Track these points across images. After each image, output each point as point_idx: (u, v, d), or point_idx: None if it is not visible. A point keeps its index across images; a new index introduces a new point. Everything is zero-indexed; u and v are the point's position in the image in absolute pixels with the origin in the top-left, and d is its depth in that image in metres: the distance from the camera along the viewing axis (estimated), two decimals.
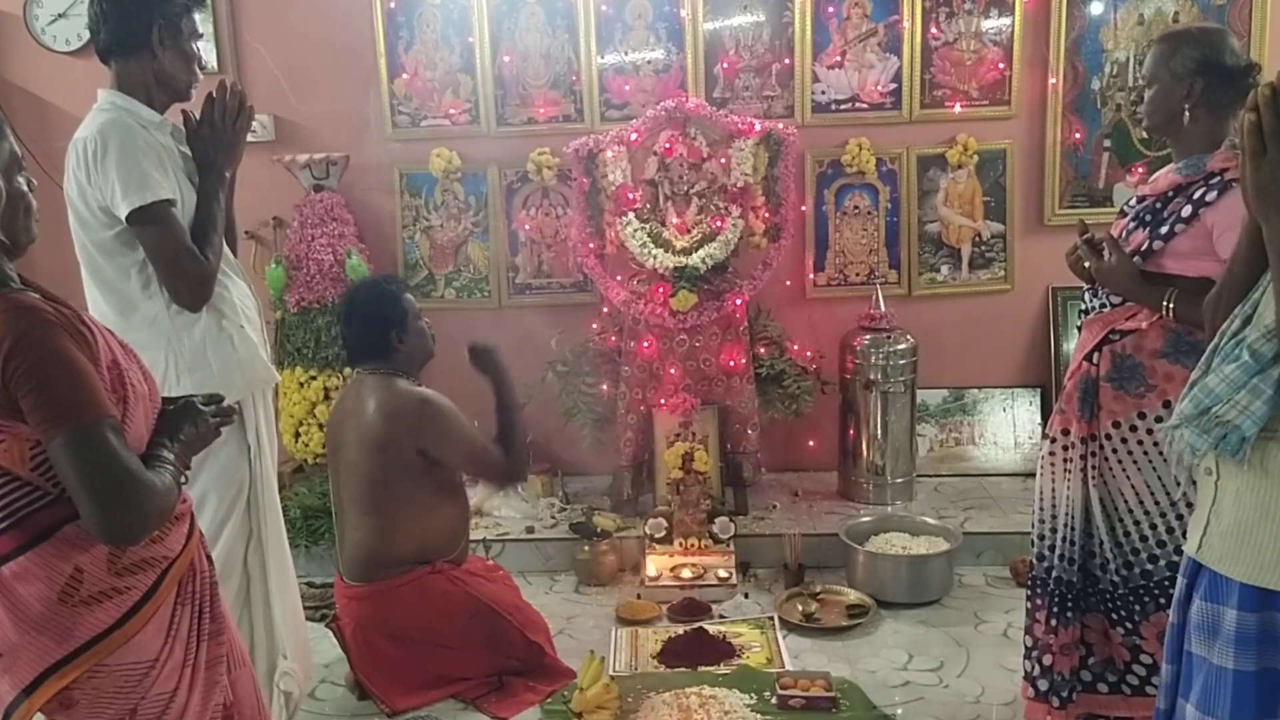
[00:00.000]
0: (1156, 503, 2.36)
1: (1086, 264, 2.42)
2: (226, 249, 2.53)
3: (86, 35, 4.28)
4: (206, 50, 2.54)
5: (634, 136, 4.00)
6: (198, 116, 2.47)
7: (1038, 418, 4.37)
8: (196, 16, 2.48)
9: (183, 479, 1.61)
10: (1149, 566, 2.40)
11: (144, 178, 2.29)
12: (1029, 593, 2.59)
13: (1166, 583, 2.33)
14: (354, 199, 4.33)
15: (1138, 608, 2.42)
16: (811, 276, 4.38)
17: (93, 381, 1.47)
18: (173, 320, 2.38)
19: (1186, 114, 2.25)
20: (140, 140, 2.33)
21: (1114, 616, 2.45)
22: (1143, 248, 2.31)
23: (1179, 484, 1.71)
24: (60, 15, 4.33)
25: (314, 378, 4.12)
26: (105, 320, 2.28)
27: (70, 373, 1.44)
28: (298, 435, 4.17)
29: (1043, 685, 2.50)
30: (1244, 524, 1.53)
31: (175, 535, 1.61)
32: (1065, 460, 2.47)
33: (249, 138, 2.59)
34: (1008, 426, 4.43)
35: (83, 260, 2.40)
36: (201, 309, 2.40)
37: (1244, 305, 1.56)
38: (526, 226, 4.40)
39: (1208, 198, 2.21)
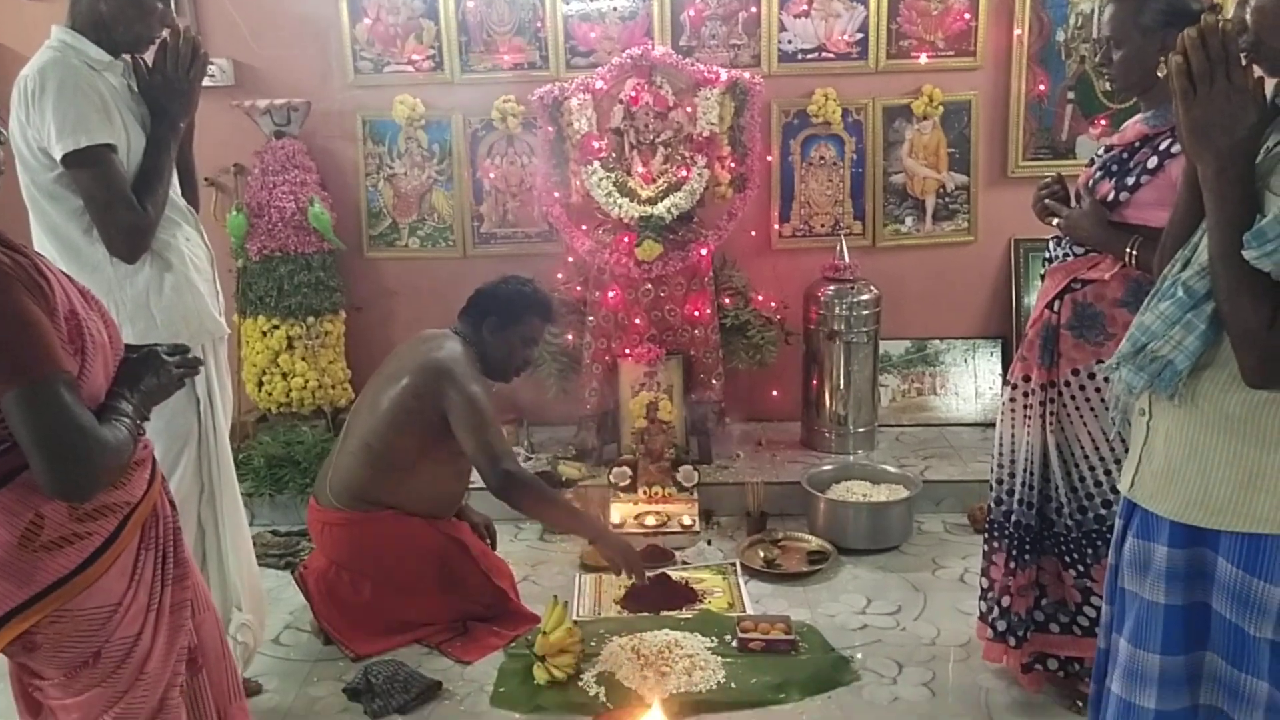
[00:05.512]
0: (1112, 449, 2.41)
1: (1054, 219, 2.45)
2: (177, 197, 2.48)
3: None
4: None
5: (600, 84, 3.97)
6: (150, 64, 2.40)
7: (998, 369, 4.43)
8: None
9: (140, 430, 1.60)
10: (1102, 512, 2.45)
11: (81, 119, 2.22)
12: (986, 536, 2.65)
13: None
14: (316, 146, 4.27)
15: (1090, 551, 2.48)
16: (777, 227, 4.39)
17: (46, 335, 1.44)
18: (115, 268, 2.33)
19: (1162, 68, 2.24)
20: (82, 81, 2.25)
21: (1067, 559, 2.52)
22: (1108, 198, 2.34)
23: (1114, 424, 1.75)
24: None
25: (276, 327, 4.10)
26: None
27: (23, 326, 1.42)
28: (261, 384, 4.15)
29: (1001, 626, 2.57)
30: (1173, 463, 1.57)
31: (137, 481, 1.60)
32: (1025, 406, 2.51)
33: (207, 83, 2.53)
34: (969, 377, 4.49)
35: (28, 202, 2.34)
36: (136, 260, 2.34)
37: (1184, 249, 1.59)
38: (491, 175, 4.37)
39: (1173, 149, 2.22)
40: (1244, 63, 1.46)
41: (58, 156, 2.24)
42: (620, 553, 3.00)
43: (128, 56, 2.40)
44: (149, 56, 2.44)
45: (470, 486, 3.24)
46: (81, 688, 1.57)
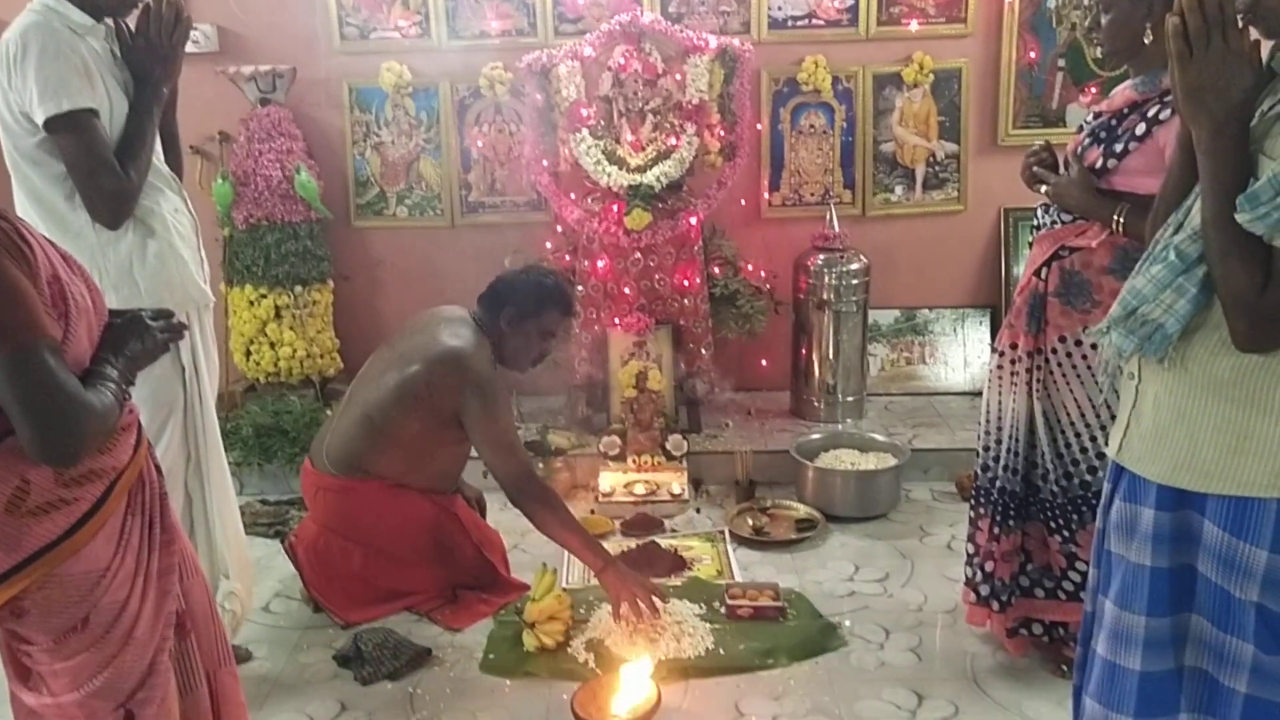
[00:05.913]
0: (1098, 416, 2.42)
1: (1042, 187, 2.45)
2: (161, 164, 2.46)
3: None
4: None
5: (588, 51, 3.94)
6: (133, 29, 2.38)
7: (987, 338, 4.44)
8: None
9: (126, 395, 1.59)
10: (1088, 478, 2.47)
11: (63, 83, 2.20)
12: (973, 502, 2.66)
13: None
14: (302, 114, 4.23)
15: (1075, 517, 2.49)
16: (766, 196, 4.38)
17: (29, 300, 1.43)
18: (98, 235, 2.32)
19: (1148, 34, 2.23)
20: (64, 45, 2.23)
21: (1052, 525, 2.53)
22: (1097, 165, 2.34)
23: (1101, 391, 1.75)
24: None
25: (264, 296, 4.07)
26: None
27: (6, 292, 1.40)
28: (249, 354, 4.14)
29: (984, 590, 2.59)
30: (1161, 426, 1.57)
31: (123, 446, 1.60)
32: (1012, 373, 2.52)
33: (190, 48, 2.50)
34: (957, 346, 4.49)
35: (10, 167, 2.33)
36: (120, 226, 2.33)
37: (1177, 213, 1.58)
38: (479, 143, 4.33)
39: (1161, 115, 2.22)
40: (1241, 25, 1.45)
41: (39, 121, 2.22)
42: (629, 587, 2.78)
43: (110, 20, 2.38)
44: (132, 21, 2.41)
45: None
46: (70, 653, 1.57)
